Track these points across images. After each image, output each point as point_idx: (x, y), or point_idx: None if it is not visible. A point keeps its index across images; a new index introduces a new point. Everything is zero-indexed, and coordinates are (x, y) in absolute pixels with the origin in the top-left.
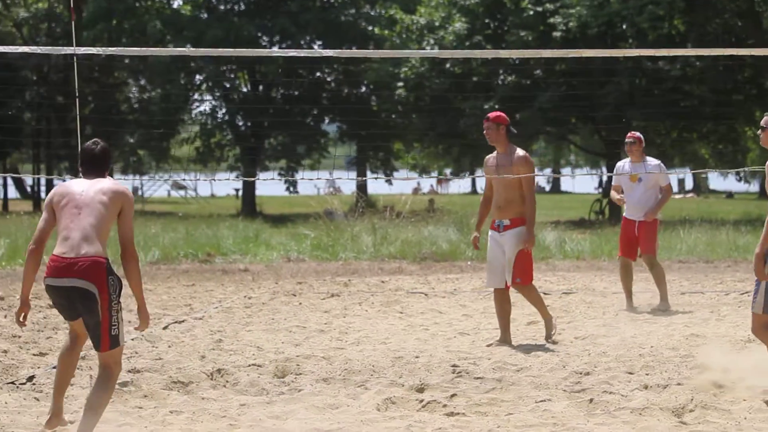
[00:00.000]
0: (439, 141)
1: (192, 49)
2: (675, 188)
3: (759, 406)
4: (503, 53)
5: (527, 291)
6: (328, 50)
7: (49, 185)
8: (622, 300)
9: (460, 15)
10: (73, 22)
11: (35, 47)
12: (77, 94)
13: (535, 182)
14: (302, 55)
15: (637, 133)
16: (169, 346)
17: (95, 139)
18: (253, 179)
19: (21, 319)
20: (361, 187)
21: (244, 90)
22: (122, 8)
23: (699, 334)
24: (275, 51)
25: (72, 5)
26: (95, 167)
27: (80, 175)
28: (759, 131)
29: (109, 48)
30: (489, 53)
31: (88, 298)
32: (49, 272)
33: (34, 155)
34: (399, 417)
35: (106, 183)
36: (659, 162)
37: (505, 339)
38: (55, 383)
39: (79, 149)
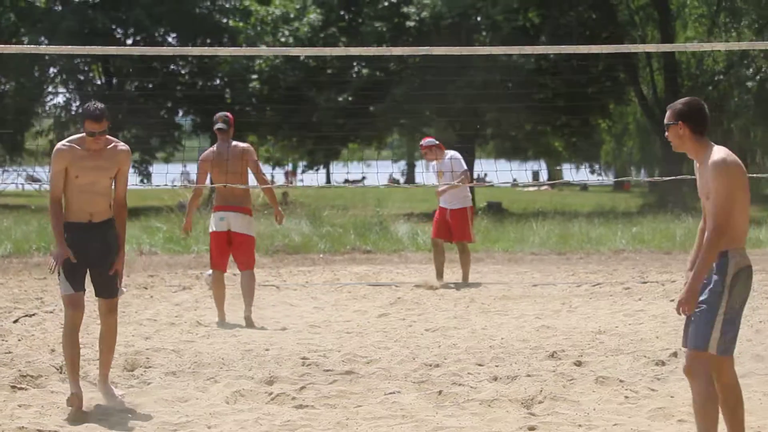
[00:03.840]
0: (292, 134)
1: (43, 47)
2: (530, 179)
3: (607, 397)
4: (353, 50)
5: None
6: (177, 48)
7: None
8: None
9: (315, 6)
10: None
11: None
12: None
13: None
14: (151, 53)
15: (425, 142)
16: (19, 340)
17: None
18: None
19: None
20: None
21: (98, 82)
22: None
23: (550, 326)
24: (125, 48)
25: None
26: None
27: None
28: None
29: None
30: (338, 50)
31: None
32: None
33: None
34: (248, 410)
35: None
36: (453, 153)
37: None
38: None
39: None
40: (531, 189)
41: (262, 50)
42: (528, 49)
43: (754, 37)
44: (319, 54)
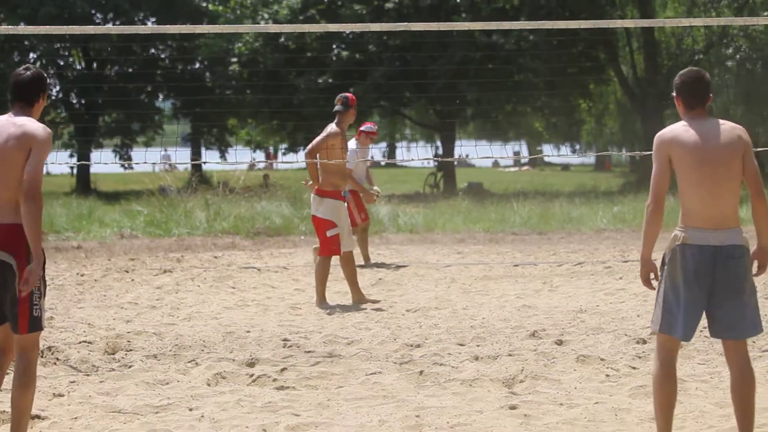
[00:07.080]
0: (273, 116)
1: (21, 27)
2: (511, 155)
3: (589, 375)
4: (331, 27)
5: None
6: (158, 26)
7: None
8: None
9: None
10: None
11: None
12: None
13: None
14: (129, 32)
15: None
16: None
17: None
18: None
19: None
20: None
21: (78, 67)
22: None
23: (531, 305)
24: (103, 28)
25: None
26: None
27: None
28: None
29: None
30: (316, 27)
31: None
32: None
33: None
34: (229, 391)
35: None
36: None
37: (359, 299)
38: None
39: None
40: (512, 169)
41: (241, 27)
42: (506, 25)
43: (733, 16)
44: (297, 31)
